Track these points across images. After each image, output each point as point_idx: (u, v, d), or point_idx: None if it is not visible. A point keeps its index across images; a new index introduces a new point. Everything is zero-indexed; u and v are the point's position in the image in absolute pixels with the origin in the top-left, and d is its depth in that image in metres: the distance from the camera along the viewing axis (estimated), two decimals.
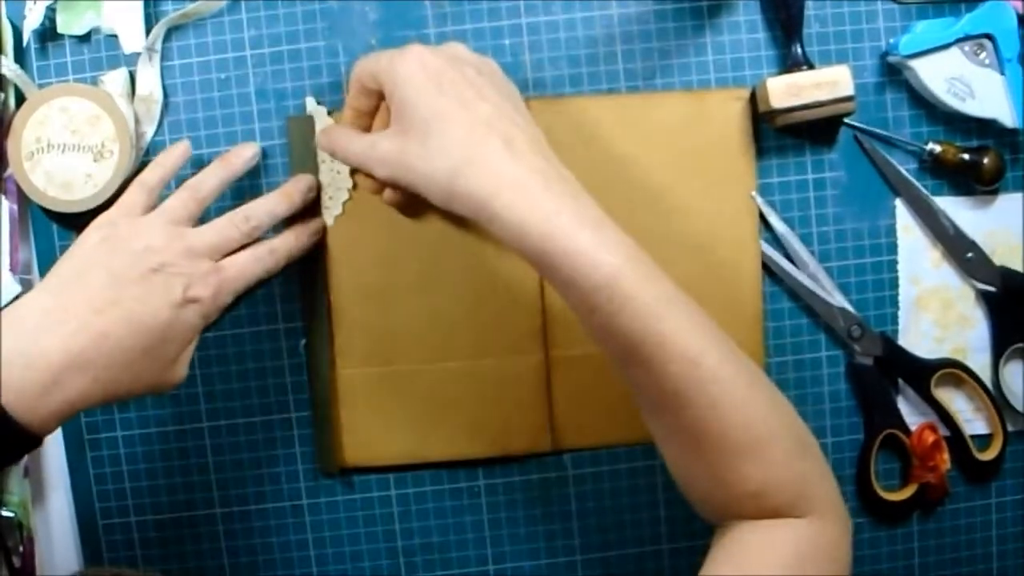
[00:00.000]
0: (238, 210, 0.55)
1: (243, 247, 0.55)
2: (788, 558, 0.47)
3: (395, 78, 0.50)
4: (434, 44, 0.60)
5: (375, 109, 0.55)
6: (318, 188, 0.59)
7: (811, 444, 0.50)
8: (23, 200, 0.60)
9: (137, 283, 0.50)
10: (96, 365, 0.48)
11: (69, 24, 0.60)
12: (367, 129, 0.55)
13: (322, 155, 0.59)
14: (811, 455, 0.49)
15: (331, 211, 0.60)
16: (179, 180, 0.60)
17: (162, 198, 0.58)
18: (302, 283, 0.61)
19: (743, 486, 0.47)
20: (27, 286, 0.61)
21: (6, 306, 0.59)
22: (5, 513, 0.61)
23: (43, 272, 0.61)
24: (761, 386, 0.49)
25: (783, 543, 0.47)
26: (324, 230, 0.60)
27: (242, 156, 0.58)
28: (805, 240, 0.62)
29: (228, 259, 0.54)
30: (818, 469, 0.49)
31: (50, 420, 0.47)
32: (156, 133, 0.60)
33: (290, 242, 0.57)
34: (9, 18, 0.59)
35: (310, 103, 0.60)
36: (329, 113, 0.60)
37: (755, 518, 0.48)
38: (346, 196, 0.59)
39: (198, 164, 0.60)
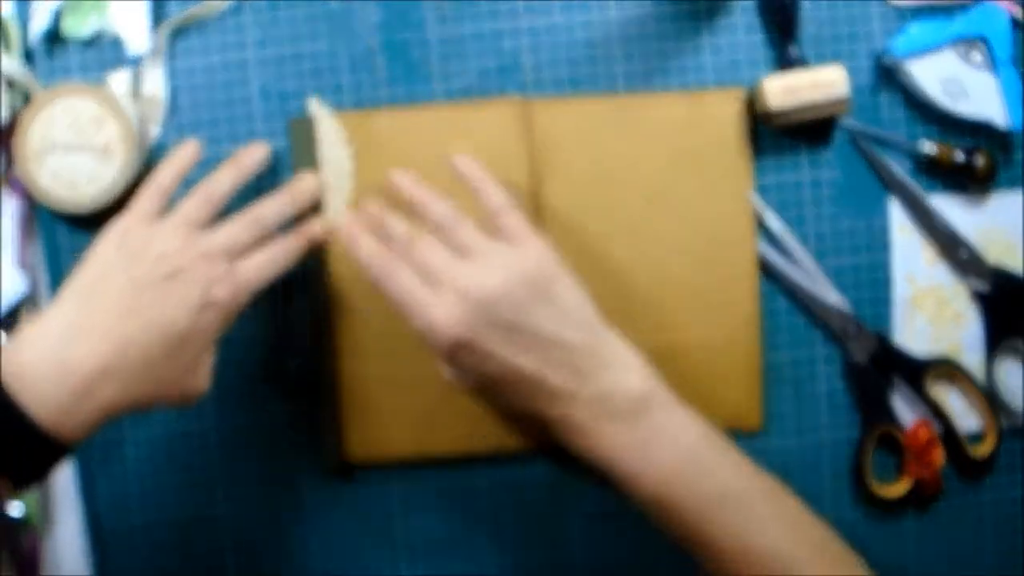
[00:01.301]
0: (248, 212, 0.55)
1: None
2: None
3: (437, 347, 0.50)
4: (434, 50, 0.61)
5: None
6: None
7: None
8: (30, 199, 0.61)
9: (156, 289, 0.50)
10: (123, 373, 0.49)
11: (74, 26, 0.60)
12: None
13: (323, 155, 0.60)
14: None
15: (333, 209, 0.60)
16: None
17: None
18: (305, 281, 0.61)
19: None
20: (33, 285, 0.61)
21: (13, 309, 0.60)
22: (10, 510, 0.61)
23: (50, 270, 0.62)
24: (826, 553, 0.49)
25: None
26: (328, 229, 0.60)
27: (253, 157, 0.58)
28: (801, 239, 0.62)
29: (244, 262, 0.54)
30: None
31: (80, 430, 0.48)
32: (160, 134, 0.61)
33: (300, 241, 0.58)
34: (15, 20, 0.60)
35: (313, 104, 0.60)
36: (337, 112, 0.60)
37: None
38: (347, 195, 0.60)
39: (201, 165, 0.61)
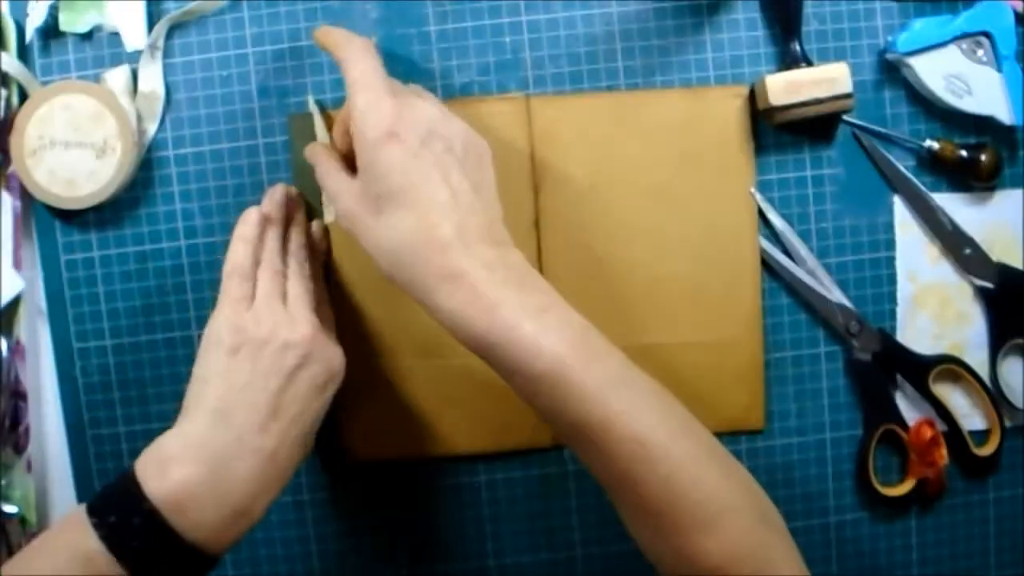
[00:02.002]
0: (298, 265, 0.55)
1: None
2: None
3: (365, 136, 0.48)
4: (434, 45, 0.61)
5: None
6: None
7: (772, 514, 0.49)
8: (26, 197, 0.61)
9: (288, 386, 0.50)
10: (272, 483, 0.50)
11: (71, 22, 0.60)
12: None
13: None
14: (772, 526, 0.48)
15: (332, 208, 0.60)
16: (181, 176, 0.61)
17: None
18: None
19: (704, 561, 0.46)
20: (30, 283, 0.61)
21: (8, 307, 0.60)
22: (8, 509, 0.61)
23: (46, 268, 0.61)
24: (715, 459, 0.48)
25: None
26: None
27: (276, 202, 0.57)
28: (804, 236, 0.62)
29: (318, 318, 0.54)
30: (780, 540, 0.48)
31: (233, 542, 0.49)
32: (158, 130, 0.61)
33: (318, 264, 0.59)
34: (12, 16, 0.60)
35: (310, 102, 0.60)
36: (324, 111, 0.60)
37: None
38: None
39: (200, 161, 0.61)
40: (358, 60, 0.50)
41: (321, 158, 0.54)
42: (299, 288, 0.54)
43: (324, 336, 0.53)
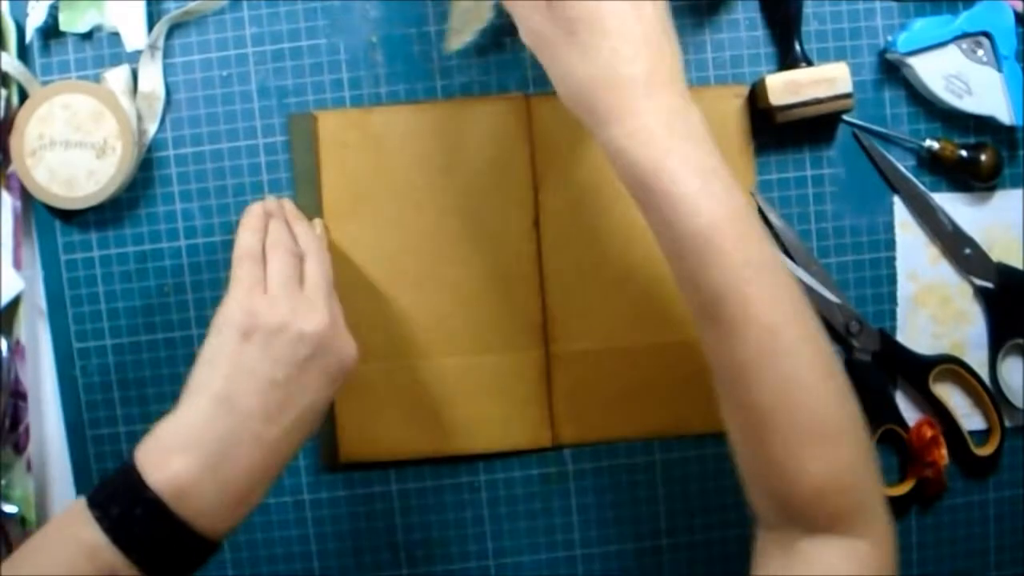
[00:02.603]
0: (314, 244, 0.54)
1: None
2: None
3: None
4: (434, 45, 0.61)
5: None
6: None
7: (874, 458, 0.47)
8: (26, 197, 0.61)
9: (299, 375, 0.49)
10: (272, 469, 0.49)
11: (71, 22, 0.60)
12: None
13: None
14: (873, 468, 0.47)
15: (461, 35, 0.59)
16: (181, 176, 0.61)
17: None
18: None
19: (806, 480, 0.45)
20: (30, 283, 0.61)
21: (7, 307, 0.60)
22: (8, 508, 0.61)
23: (46, 268, 0.61)
24: (837, 377, 0.46)
25: (842, 562, 0.45)
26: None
27: (269, 207, 0.56)
28: (804, 236, 0.62)
29: (332, 308, 0.52)
30: (878, 486, 0.47)
31: (232, 528, 0.48)
32: (158, 130, 0.61)
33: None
34: (12, 16, 0.60)
35: None
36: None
37: (813, 526, 0.45)
38: (481, 26, 0.58)
39: (200, 161, 0.61)
40: None
41: None
42: (317, 272, 0.52)
43: (340, 326, 0.51)
